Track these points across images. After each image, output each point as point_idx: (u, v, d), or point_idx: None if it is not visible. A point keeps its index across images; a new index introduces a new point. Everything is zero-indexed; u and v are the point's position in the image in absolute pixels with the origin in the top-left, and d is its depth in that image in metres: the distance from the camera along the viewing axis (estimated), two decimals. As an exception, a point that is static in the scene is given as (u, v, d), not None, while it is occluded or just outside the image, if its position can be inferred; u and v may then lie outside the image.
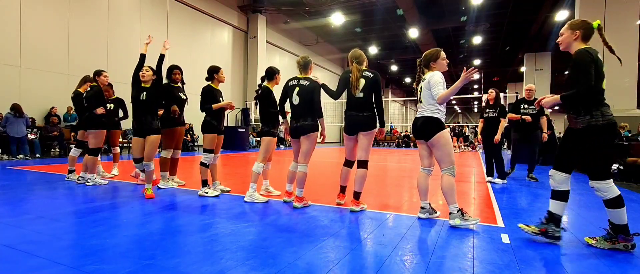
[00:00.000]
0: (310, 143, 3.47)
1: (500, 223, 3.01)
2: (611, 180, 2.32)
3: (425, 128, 2.95)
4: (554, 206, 2.45)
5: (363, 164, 3.34)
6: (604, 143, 2.29)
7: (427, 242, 2.47)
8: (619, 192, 2.30)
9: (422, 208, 3.12)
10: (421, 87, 3.03)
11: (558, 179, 2.43)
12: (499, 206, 3.71)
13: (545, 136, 5.75)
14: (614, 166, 6.16)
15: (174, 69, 4.56)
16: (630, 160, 5.93)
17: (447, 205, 2.91)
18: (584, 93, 2.24)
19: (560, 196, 2.43)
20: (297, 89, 3.47)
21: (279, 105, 3.67)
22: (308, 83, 3.46)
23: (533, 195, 4.50)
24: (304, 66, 3.56)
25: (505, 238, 2.55)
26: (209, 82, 4.07)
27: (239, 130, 13.55)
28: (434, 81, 2.90)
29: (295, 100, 3.47)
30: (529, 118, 5.46)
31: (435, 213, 3.16)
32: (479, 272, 1.94)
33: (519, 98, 5.73)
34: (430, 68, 3.05)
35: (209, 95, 3.97)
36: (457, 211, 2.85)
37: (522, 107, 5.55)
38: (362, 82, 3.30)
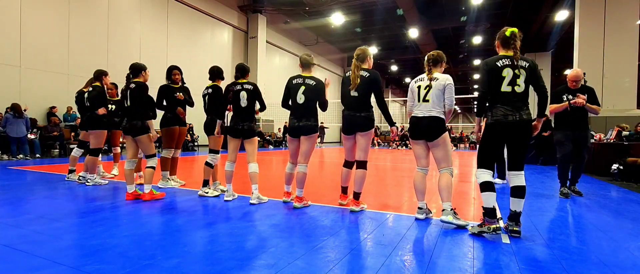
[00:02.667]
0: (310, 144, 3.45)
1: (500, 223, 3.01)
2: (485, 170, 2.69)
3: (432, 129, 2.92)
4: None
5: (362, 164, 3.32)
6: (485, 137, 2.72)
7: (427, 242, 2.47)
8: (487, 181, 2.64)
9: (419, 208, 3.11)
10: (430, 86, 2.94)
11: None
12: (499, 206, 3.70)
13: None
14: (614, 166, 6.16)
15: (174, 70, 4.56)
16: (630, 160, 5.92)
17: (442, 201, 2.89)
18: (479, 99, 2.72)
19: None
20: (302, 88, 3.41)
21: (283, 103, 3.62)
22: (314, 82, 3.42)
23: (533, 195, 4.50)
24: (307, 64, 3.53)
25: (505, 238, 2.55)
26: (216, 82, 4.06)
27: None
28: (450, 87, 2.92)
29: (300, 99, 3.42)
30: (581, 98, 4.20)
31: (431, 213, 3.17)
32: (479, 272, 1.94)
33: (559, 87, 4.51)
34: (439, 69, 3.05)
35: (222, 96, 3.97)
36: (451, 209, 2.85)
37: (564, 98, 4.33)
38: (358, 81, 3.26)
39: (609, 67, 10.36)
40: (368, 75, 3.25)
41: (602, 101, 10.37)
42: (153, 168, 3.74)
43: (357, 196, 3.32)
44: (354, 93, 3.26)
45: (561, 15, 15.26)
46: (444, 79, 2.94)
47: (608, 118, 9.98)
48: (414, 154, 3.12)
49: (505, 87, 2.60)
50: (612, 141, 7.51)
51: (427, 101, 2.95)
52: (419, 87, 3.02)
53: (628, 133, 7.60)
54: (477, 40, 19.53)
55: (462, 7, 15.92)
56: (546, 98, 2.66)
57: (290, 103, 3.55)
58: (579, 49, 10.86)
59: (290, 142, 3.61)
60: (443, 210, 2.86)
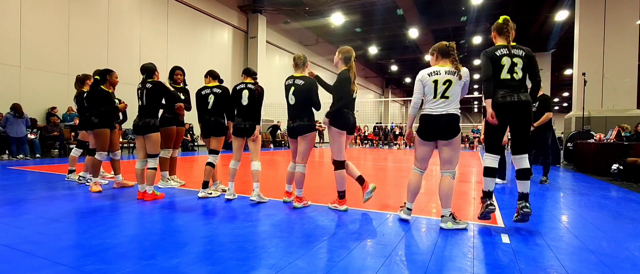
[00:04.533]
0: (307, 144, 3.44)
1: (500, 223, 3.01)
2: (491, 155, 2.84)
3: (450, 127, 2.74)
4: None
5: (340, 164, 3.32)
6: (487, 121, 2.81)
7: (427, 242, 2.47)
8: (491, 166, 2.81)
9: (408, 209, 3.00)
10: (450, 82, 2.73)
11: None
12: (499, 206, 3.71)
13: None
14: (614, 166, 6.16)
15: (177, 70, 4.58)
16: (630, 160, 5.92)
17: (441, 207, 2.82)
18: (485, 82, 2.80)
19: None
20: (292, 89, 3.43)
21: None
22: (303, 82, 3.42)
23: (534, 195, 4.49)
24: (299, 63, 3.56)
25: (505, 238, 2.55)
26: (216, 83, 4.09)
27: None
28: (467, 81, 2.83)
29: (291, 100, 3.44)
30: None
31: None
32: (479, 272, 1.94)
33: None
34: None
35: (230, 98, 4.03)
36: (449, 215, 2.79)
37: None
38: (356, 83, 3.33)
39: (609, 67, 10.36)
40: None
41: (602, 101, 10.38)
42: (155, 169, 3.78)
43: (343, 195, 3.35)
44: (355, 95, 3.34)
45: (561, 15, 15.26)
46: (466, 74, 2.80)
47: (608, 118, 9.97)
48: (419, 155, 2.92)
49: (504, 75, 2.73)
50: (612, 141, 7.51)
51: (447, 97, 2.74)
52: (435, 82, 2.75)
53: (629, 132, 7.60)
54: (477, 40, 19.53)
55: (462, 7, 15.92)
56: (538, 88, 2.86)
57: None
58: (579, 49, 10.86)
59: (290, 143, 3.65)
60: (442, 216, 2.82)
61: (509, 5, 15.68)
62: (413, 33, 17.97)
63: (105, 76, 4.31)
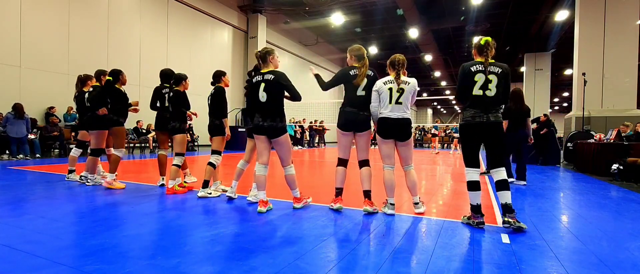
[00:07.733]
0: (286, 145, 3.35)
1: (500, 223, 3.01)
2: (472, 168, 2.89)
3: (407, 130, 3.21)
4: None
5: (366, 163, 3.37)
6: (461, 137, 2.95)
7: (427, 242, 2.47)
8: (474, 180, 2.86)
9: (391, 204, 3.27)
10: (403, 89, 3.18)
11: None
12: (498, 206, 3.70)
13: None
14: (614, 166, 6.16)
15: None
16: (630, 160, 5.92)
17: (412, 195, 3.34)
18: (456, 101, 2.96)
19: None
20: (263, 85, 3.22)
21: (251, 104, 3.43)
22: (273, 76, 3.23)
23: (534, 195, 4.50)
24: (263, 58, 3.33)
25: (505, 238, 2.55)
26: (218, 84, 4.11)
27: (239, 130, 13.52)
28: (415, 90, 3.24)
29: (263, 97, 3.22)
30: None
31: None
32: (479, 272, 1.94)
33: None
34: (405, 72, 3.28)
35: (225, 98, 4.09)
36: (420, 200, 3.31)
37: None
38: (365, 81, 3.25)
39: (609, 67, 10.36)
40: (372, 74, 3.32)
41: (602, 101, 10.38)
42: (178, 166, 4.13)
43: (368, 194, 3.31)
44: (361, 92, 3.26)
45: (561, 15, 15.26)
46: (414, 83, 3.24)
47: (608, 118, 9.98)
48: (384, 153, 3.31)
49: (476, 91, 2.83)
50: (612, 141, 7.51)
51: (400, 103, 3.17)
52: (390, 89, 3.17)
53: (629, 132, 7.59)
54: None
55: (462, 7, 15.90)
56: (506, 103, 3.12)
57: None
58: (579, 49, 10.86)
59: (257, 140, 3.33)
60: (416, 204, 3.30)
61: (509, 5, 15.67)
62: (413, 33, 17.96)
63: (118, 76, 4.61)
